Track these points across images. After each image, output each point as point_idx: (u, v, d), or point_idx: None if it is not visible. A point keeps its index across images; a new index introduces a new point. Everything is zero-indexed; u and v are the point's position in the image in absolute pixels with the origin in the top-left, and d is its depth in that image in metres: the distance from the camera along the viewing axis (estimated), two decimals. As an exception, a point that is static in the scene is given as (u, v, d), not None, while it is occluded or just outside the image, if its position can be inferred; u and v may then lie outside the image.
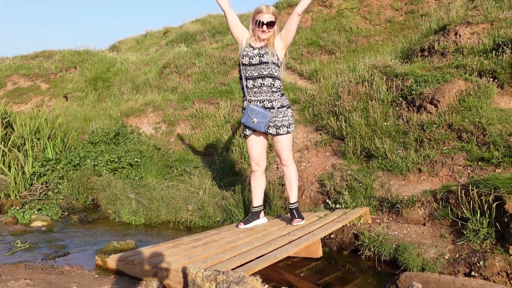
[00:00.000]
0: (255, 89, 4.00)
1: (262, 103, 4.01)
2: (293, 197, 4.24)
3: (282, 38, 3.99)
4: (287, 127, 4.06)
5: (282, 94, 4.12)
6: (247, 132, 4.17)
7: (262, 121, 3.97)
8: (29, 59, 16.08)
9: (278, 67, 4.03)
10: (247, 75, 4.00)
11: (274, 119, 4.05)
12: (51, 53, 16.49)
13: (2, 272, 3.16)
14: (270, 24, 3.89)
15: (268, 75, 3.96)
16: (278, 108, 4.03)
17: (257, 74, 3.96)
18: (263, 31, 3.89)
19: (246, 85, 4.01)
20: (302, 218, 4.22)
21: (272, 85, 4.00)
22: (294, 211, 4.23)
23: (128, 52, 20.18)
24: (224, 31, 16.41)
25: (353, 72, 7.24)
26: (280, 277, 3.69)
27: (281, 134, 4.06)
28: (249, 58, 3.96)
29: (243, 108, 4.09)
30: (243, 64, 4.00)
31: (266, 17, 3.86)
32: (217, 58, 11.57)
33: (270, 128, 4.06)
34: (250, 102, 4.02)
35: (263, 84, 3.97)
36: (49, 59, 15.84)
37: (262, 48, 3.97)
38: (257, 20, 3.88)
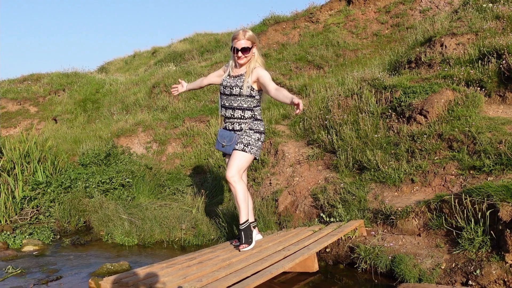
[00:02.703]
0: (227, 118, 4.09)
1: (232, 125, 4.05)
2: (241, 217, 4.00)
3: (260, 80, 3.90)
4: (244, 145, 3.93)
5: (257, 119, 4.06)
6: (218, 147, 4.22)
7: (229, 144, 3.98)
8: (17, 83, 16.00)
9: (253, 97, 4.00)
10: (221, 103, 4.12)
11: (238, 139, 3.98)
12: (39, 76, 16.43)
13: (-7, 299, 3.09)
14: (245, 50, 3.90)
15: (238, 107, 3.99)
16: (245, 130, 4.00)
17: (228, 104, 4.03)
18: (239, 57, 3.93)
19: (221, 112, 4.14)
20: (250, 243, 3.97)
21: (242, 117, 4.01)
22: (242, 233, 3.97)
23: (117, 73, 20.19)
24: (212, 49, 16.52)
25: (342, 86, 7.29)
26: (277, 294, 3.65)
27: (235, 149, 3.96)
28: (223, 87, 4.06)
29: None
30: (220, 93, 4.14)
31: (240, 44, 3.89)
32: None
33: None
34: (224, 127, 4.14)
35: (233, 115, 4.02)
36: (37, 82, 15.77)
37: (238, 77, 4.00)
38: (232, 47, 3.95)
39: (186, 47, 18.87)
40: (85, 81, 15.34)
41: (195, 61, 14.46)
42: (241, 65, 4.01)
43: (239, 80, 3.98)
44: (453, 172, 4.60)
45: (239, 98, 3.97)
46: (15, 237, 5.30)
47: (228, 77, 4.07)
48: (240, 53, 3.90)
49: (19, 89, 14.91)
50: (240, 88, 3.94)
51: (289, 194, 5.70)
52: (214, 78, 4.35)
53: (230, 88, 3.99)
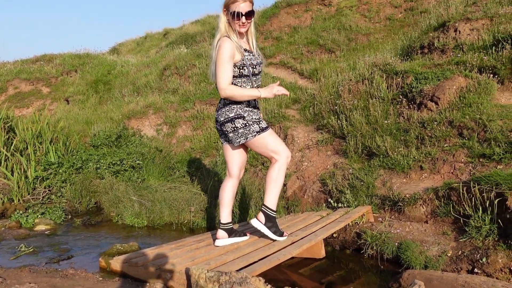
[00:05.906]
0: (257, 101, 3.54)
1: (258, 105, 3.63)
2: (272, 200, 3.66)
3: None
4: None
5: None
6: (266, 124, 3.50)
7: None
8: (29, 63, 16.12)
9: None
10: (253, 86, 3.42)
11: None
12: (52, 56, 16.53)
13: (7, 276, 3.18)
14: (249, 15, 3.25)
15: (259, 85, 3.52)
16: None
17: (257, 85, 3.47)
18: (243, 24, 3.26)
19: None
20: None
21: None
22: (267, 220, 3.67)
23: (129, 55, 20.20)
24: (224, 31, 16.39)
25: (354, 71, 7.24)
26: (284, 277, 3.70)
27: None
28: (253, 67, 3.39)
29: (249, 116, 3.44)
30: (254, 74, 3.41)
31: (244, 7, 3.20)
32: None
33: None
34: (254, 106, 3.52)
35: None
36: (49, 62, 15.87)
37: (253, 53, 3.43)
38: (233, 12, 3.21)
39: (198, 29, 18.77)
40: (97, 62, 15.40)
41: (206, 43, 14.39)
42: (241, 34, 3.34)
43: (257, 56, 3.44)
44: (462, 159, 4.59)
45: (260, 76, 3.48)
46: (27, 216, 5.40)
47: (248, 53, 3.35)
48: (244, 19, 3.23)
49: (32, 69, 15.03)
50: (261, 64, 3.45)
51: (298, 178, 5.72)
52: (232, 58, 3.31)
53: (259, 65, 3.41)
